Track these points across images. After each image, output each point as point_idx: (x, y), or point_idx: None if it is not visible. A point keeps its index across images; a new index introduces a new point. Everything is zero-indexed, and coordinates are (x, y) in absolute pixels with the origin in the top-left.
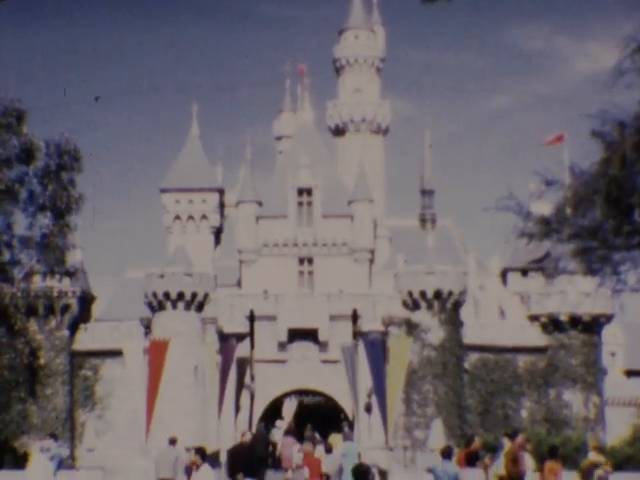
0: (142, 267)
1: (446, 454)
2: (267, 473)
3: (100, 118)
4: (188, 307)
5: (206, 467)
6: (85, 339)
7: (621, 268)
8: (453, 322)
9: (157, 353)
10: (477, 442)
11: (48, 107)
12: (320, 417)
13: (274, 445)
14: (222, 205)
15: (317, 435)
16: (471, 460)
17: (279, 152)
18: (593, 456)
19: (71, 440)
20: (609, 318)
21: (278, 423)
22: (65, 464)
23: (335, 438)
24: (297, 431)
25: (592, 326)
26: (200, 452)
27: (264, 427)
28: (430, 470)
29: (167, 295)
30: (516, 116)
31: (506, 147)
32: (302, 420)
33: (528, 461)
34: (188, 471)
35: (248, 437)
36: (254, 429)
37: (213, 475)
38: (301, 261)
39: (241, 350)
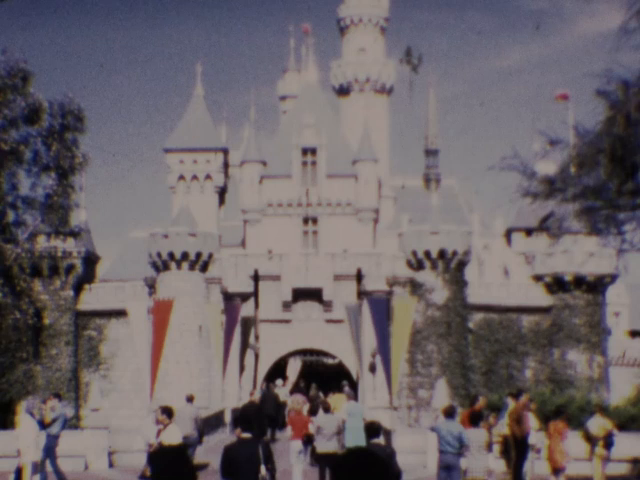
0: (146, 227)
1: (449, 413)
2: (276, 432)
3: (105, 79)
4: (192, 267)
5: (173, 427)
6: (89, 299)
7: (625, 228)
8: (457, 282)
9: (161, 313)
10: (481, 402)
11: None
12: (324, 377)
13: (282, 404)
14: (226, 165)
15: (321, 394)
16: (474, 420)
17: (283, 112)
18: (598, 419)
19: (76, 400)
20: (613, 278)
21: (278, 382)
22: (69, 424)
23: (337, 398)
24: (302, 390)
25: (596, 286)
26: (166, 411)
27: (266, 386)
28: (433, 429)
29: (171, 255)
30: (520, 76)
31: (510, 107)
32: (306, 380)
33: (532, 421)
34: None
35: (257, 396)
36: (258, 388)
37: (180, 434)
38: (305, 221)
39: (245, 310)
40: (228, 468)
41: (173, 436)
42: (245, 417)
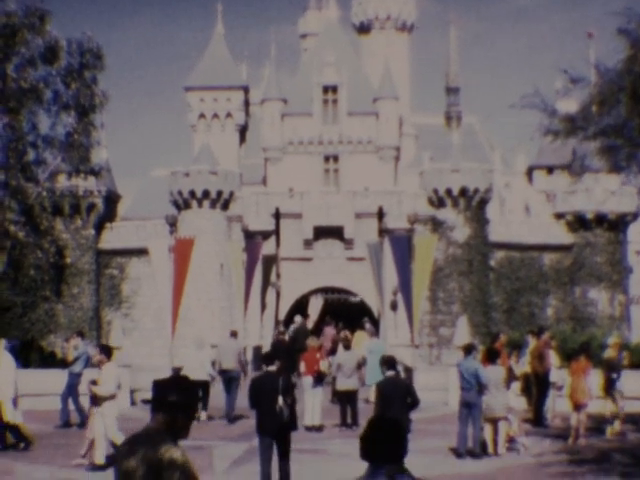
0: (167, 166)
1: (468, 351)
2: None
3: (126, 17)
4: (213, 205)
5: (111, 365)
6: (111, 238)
7: None
8: (479, 220)
9: (183, 251)
10: (502, 339)
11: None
12: (346, 315)
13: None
14: (247, 103)
15: (348, 333)
16: (491, 357)
17: (304, 50)
18: (609, 352)
19: (97, 339)
20: (635, 216)
21: (297, 318)
22: (92, 362)
23: (358, 335)
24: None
25: (617, 224)
26: (105, 350)
27: (283, 324)
28: (456, 366)
29: (192, 193)
30: (542, 13)
31: (532, 45)
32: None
33: (553, 358)
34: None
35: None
36: (280, 327)
37: (118, 373)
38: (326, 159)
39: (266, 248)
40: (252, 398)
41: (110, 375)
42: (268, 353)
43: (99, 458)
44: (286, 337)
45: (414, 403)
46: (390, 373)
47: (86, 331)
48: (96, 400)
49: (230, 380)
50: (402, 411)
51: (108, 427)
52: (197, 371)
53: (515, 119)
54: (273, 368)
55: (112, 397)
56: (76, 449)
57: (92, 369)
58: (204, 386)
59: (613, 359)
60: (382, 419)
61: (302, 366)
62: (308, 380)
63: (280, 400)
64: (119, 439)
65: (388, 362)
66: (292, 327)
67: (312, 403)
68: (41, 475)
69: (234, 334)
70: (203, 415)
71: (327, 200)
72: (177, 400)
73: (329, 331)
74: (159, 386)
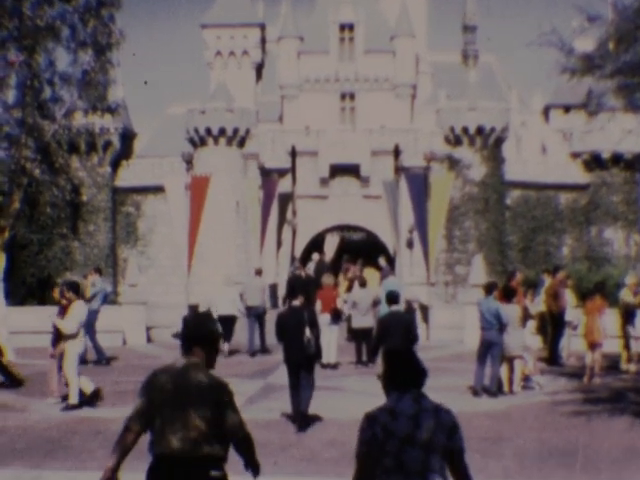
0: (183, 103)
1: (488, 290)
2: None
3: None
4: (229, 143)
5: (80, 303)
6: (127, 176)
7: None
8: (495, 158)
9: (199, 189)
10: (518, 278)
11: None
12: (361, 253)
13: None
14: (263, 41)
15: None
16: (507, 295)
17: None
18: (626, 294)
19: (113, 276)
20: None
21: (314, 256)
22: (108, 300)
23: (368, 272)
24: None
25: (634, 163)
26: (72, 287)
27: (299, 261)
28: (477, 305)
29: (209, 131)
30: None
31: None
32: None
33: (568, 297)
34: (61, 309)
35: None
36: (296, 262)
37: (84, 312)
38: (343, 97)
39: (282, 186)
40: (280, 332)
41: (77, 313)
42: (292, 287)
43: (73, 398)
44: (303, 273)
45: (412, 339)
46: (394, 308)
47: (102, 269)
48: (59, 337)
49: (255, 316)
50: (402, 344)
51: (68, 366)
52: (227, 307)
53: (532, 58)
54: (298, 302)
55: (75, 336)
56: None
57: (107, 306)
58: (232, 321)
59: (629, 298)
60: (396, 350)
61: (319, 304)
62: (325, 318)
63: (307, 332)
64: (73, 380)
65: (392, 298)
66: (309, 264)
67: (328, 341)
68: (57, 412)
69: (259, 272)
70: (226, 347)
71: (343, 138)
72: (213, 334)
73: (354, 269)
74: (195, 322)
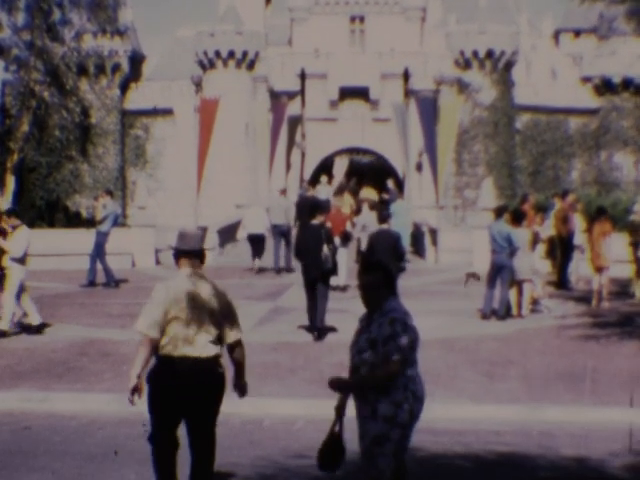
0: (192, 26)
1: (499, 214)
2: None
3: None
4: (239, 65)
5: (25, 229)
6: (136, 98)
7: None
8: (504, 82)
9: (208, 112)
10: (531, 201)
11: None
12: (371, 175)
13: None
14: None
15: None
16: (517, 219)
17: None
18: (636, 217)
19: (122, 199)
20: None
21: (322, 179)
22: (119, 221)
23: (366, 192)
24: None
25: None
26: (14, 213)
27: (308, 182)
28: (487, 228)
29: (218, 53)
30: None
31: None
32: (354, 178)
33: (577, 221)
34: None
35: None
36: (305, 185)
37: (29, 239)
38: (352, 19)
39: (292, 109)
40: (298, 249)
41: (22, 238)
42: (312, 207)
43: (3, 323)
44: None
45: (399, 255)
46: (383, 226)
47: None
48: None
49: (280, 235)
50: (388, 260)
51: (8, 290)
52: (256, 226)
53: None
54: (316, 221)
55: (19, 260)
56: (101, 308)
57: (120, 228)
58: (261, 239)
59: (639, 223)
60: (370, 259)
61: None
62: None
63: (325, 249)
64: (10, 306)
65: (381, 217)
66: (318, 187)
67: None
68: (66, 334)
69: (283, 192)
70: (256, 263)
71: (353, 61)
72: (202, 248)
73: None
74: (188, 237)
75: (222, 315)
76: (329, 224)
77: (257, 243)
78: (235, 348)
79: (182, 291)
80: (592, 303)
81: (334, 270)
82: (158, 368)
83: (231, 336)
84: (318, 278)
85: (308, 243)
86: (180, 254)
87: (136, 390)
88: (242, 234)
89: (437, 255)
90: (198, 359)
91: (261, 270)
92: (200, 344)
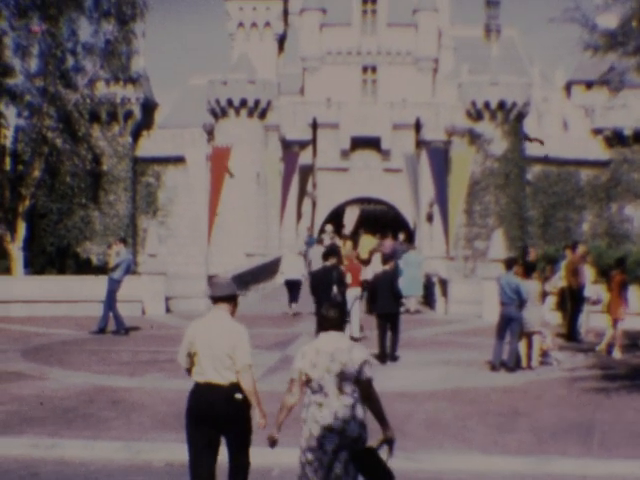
0: (205, 74)
1: (508, 265)
2: None
3: None
4: (251, 114)
5: None
6: (148, 146)
7: None
8: (516, 133)
9: (219, 160)
10: (532, 254)
11: None
12: (382, 225)
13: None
14: (286, 13)
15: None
16: (527, 271)
17: None
18: None
19: (133, 246)
20: None
21: (328, 228)
22: (132, 269)
23: (365, 239)
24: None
25: None
26: None
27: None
28: (497, 280)
29: (230, 102)
30: None
31: None
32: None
33: (588, 273)
34: None
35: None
36: (315, 235)
37: None
38: (365, 70)
39: (303, 158)
40: (312, 287)
41: None
42: (326, 251)
43: None
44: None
45: (396, 294)
46: (386, 267)
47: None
48: None
49: None
50: (389, 298)
51: None
52: (293, 272)
53: (555, 33)
54: (329, 263)
55: None
56: (111, 355)
57: (131, 276)
58: (297, 285)
59: None
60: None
61: (348, 277)
62: (356, 291)
63: (334, 288)
64: None
65: (385, 258)
66: (323, 236)
67: (355, 314)
68: (75, 381)
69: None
70: (293, 307)
71: (364, 111)
72: (236, 293)
73: (388, 243)
74: (227, 284)
75: (234, 346)
76: (349, 275)
77: (293, 288)
78: (241, 375)
79: (203, 327)
80: (601, 346)
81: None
82: (190, 393)
83: (237, 364)
84: None
85: (321, 282)
86: (213, 299)
87: None
88: (280, 279)
89: (447, 306)
90: (217, 385)
91: (296, 314)
92: (218, 372)
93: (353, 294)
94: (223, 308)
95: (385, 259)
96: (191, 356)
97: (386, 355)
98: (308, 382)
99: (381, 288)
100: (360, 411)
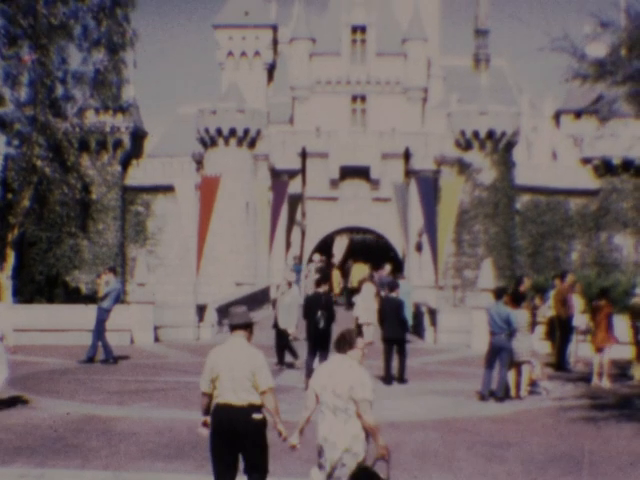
0: (194, 103)
1: (498, 295)
2: None
3: None
4: (240, 143)
5: None
6: (137, 175)
7: None
8: (505, 163)
9: (208, 189)
10: (526, 283)
11: None
12: (371, 255)
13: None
14: (275, 42)
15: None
16: (517, 300)
17: None
18: (638, 299)
19: (122, 275)
20: None
21: (315, 257)
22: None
23: (357, 267)
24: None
25: None
26: None
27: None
28: (486, 310)
29: (219, 131)
30: None
31: None
32: (353, 257)
33: (576, 302)
34: None
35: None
36: (304, 265)
37: None
38: (354, 99)
39: (292, 187)
40: (304, 311)
41: None
42: (319, 278)
43: None
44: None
45: (402, 320)
46: (392, 294)
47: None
48: None
49: None
50: (395, 324)
51: None
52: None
53: (544, 63)
54: (320, 290)
55: None
56: (99, 384)
57: (120, 305)
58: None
59: None
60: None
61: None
62: None
63: (319, 313)
64: None
65: (391, 286)
66: (310, 265)
67: None
68: (63, 410)
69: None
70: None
71: (354, 140)
72: (251, 322)
73: (382, 273)
74: (243, 313)
75: (253, 371)
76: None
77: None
78: (265, 396)
79: (223, 353)
80: (593, 379)
81: (328, 331)
82: (212, 414)
83: (259, 387)
84: (317, 338)
85: (311, 307)
86: (232, 327)
87: (205, 424)
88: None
89: (436, 335)
90: (236, 406)
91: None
92: (237, 394)
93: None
94: (240, 335)
95: (391, 287)
96: (213, 381)
97: (392, 377)
98: (317, 398)
99: (388, 315)
100: (353, 427)
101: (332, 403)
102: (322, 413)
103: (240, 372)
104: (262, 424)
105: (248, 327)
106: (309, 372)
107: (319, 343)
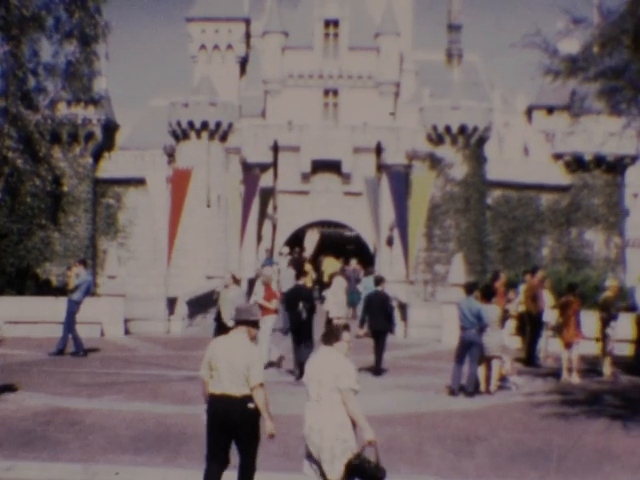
0: (166, 96)
1: (469, 290)
2: None
3: None
4: (212, 137)
5: None
6: (108, 167)
7: None
8: (477, 158)
9: (180, 182)
10: (503, 278)
11: None
12: (342, 249)
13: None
14: (248, 35)
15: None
16: (487, 295)
17: None
18: (607, 294)
19: (93, 268)
20: (633, 159)
21: (284, 250)
22: (91, 291)
23: (328, 261)
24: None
25: (616, 166)
26: None
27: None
28: (457, 304)
29: (191, 124)
30: None
31: None
32: (324, 251)
33: (546, 298)
34: None
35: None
36: (276, 258)
37: None
38: (326, 93)
39: (264, 181)
40: (286, 304)
41: None
42: (297, 273)
43: None
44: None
45: (388, 314)
46: (378, 288)
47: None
48: None
49: None
50: (380, 316)
51: None
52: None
53: (516, 58)
54: (301, 282)
55: None
56: (69, 377)
57: (90, 297)
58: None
59: (610, 301)
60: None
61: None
62: (271, 319)
63: (300, 305)
64: None
65: (376, 280)
66: (280, 259)
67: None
68: (34, 402)
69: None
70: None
71: (326, 134)
72: (253, 319)
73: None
74: (247, 310)
75: (248, 366)
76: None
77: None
78: (255, 391)
79: (222, 345)
80: (563, 375)
81: (309, 323)
82: (208, 403)
83: (250, 382)
84: (299, 327)
85: (292, 300)
86: (235, 322)
87: None
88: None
89: (407, 330)
90: (231, 396)
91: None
92: (234, 385)
93: (269, 322)
94: (243, 330)
95: (377, 280)
96: (211, 369)
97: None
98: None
99: (374, 307)
100: (338, 415)
101: (317, 393)
102: (308, 402)
103: (237, 365)
104: (257, 414)
105: (250, 323)
106: (296, 361)
107: (302, 333)
